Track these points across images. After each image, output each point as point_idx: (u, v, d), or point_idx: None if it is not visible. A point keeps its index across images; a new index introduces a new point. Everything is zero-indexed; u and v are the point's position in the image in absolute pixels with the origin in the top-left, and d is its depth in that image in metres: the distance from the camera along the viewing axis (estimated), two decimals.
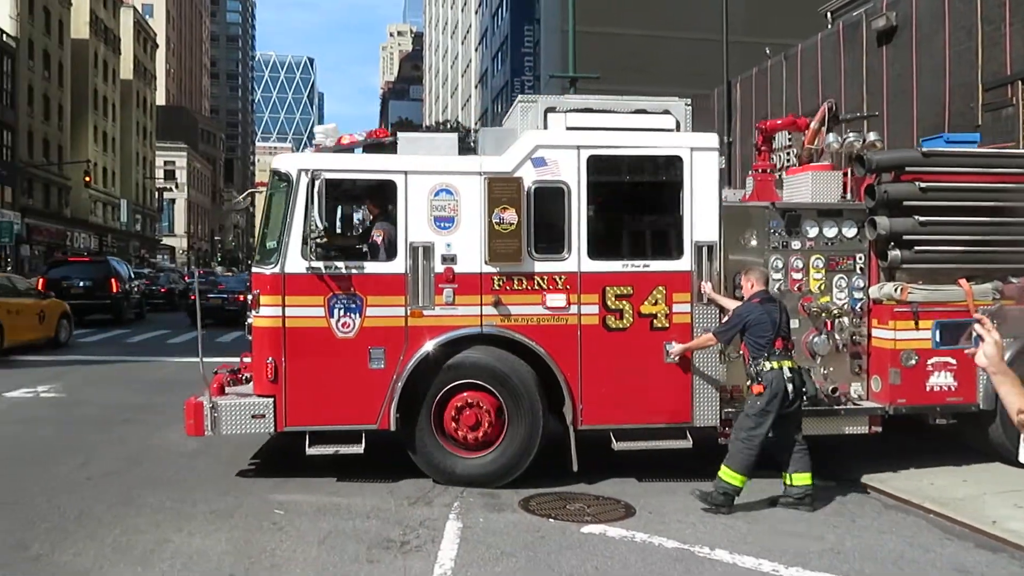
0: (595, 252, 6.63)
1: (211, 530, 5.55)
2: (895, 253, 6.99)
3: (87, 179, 48.13)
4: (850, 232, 7.16)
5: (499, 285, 6.53)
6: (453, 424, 6.50)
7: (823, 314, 7.04)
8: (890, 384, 6.92)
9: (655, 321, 6.68)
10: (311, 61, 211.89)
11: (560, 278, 6.59)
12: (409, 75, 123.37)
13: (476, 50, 63.30)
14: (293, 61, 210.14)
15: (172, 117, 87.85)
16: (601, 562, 5.07)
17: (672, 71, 36.20)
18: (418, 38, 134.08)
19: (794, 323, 7.08)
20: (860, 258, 7.18)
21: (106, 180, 65.85)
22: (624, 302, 6.66)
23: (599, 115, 6.90)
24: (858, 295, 7.17)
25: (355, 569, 4.92)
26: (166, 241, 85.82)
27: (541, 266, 6.59)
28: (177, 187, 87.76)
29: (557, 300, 6.57)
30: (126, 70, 71.49)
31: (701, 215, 6.71)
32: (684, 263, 6.73)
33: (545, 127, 6.83)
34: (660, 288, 6.68)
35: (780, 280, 7.09)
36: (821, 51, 17.70)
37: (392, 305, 6.46)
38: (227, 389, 6.81)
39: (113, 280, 23.75)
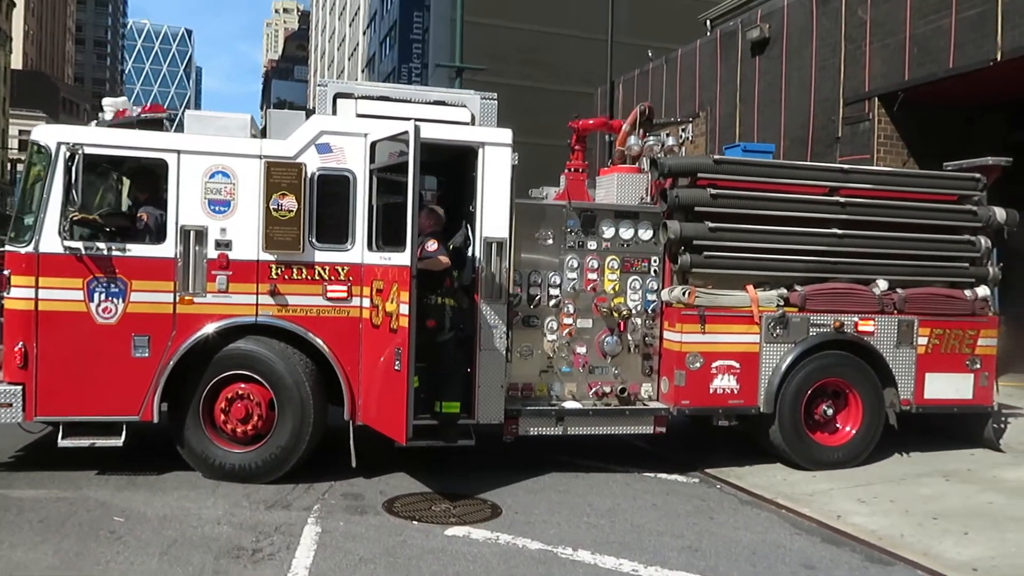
0: (373, 244, 6.38)
1: (38, 541, 5.00)
2: (685, 257, 7.19)
3: None
4: (646, 235, 7.31)
5: (277, 274, 6.28)
6: (223, 417, 6.22)
7: (615, 314, 7.17)
8: (675, 385, 7.10)
9: (392, 321, 5.91)
10: (189, 33, 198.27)
11: (342, 269, 6.40)
12: (294, 54, 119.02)
13: (364, 33, 61.66)
14: (169, 31, 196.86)
15: (30, 83, 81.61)
16: (463, 566, 4.90)
17: (560, 68, 36.32)
18: (305, 16, 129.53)
19: (587, 323, 7.24)
20: (655, 261, 7.34)
21: None
22: (378, 298, 6.25)
23: (394, 104, 6.73)
24: (651, 297, 7.33)
25: None
26: None
27: (322, 256, 6.37)
28: None
29: (337, 292, 6.36)
30: None
31: (491, 211, 6.58)
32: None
33: (335, 113, 6.61)
34: (395, 285, 5.94)
35: (575, 279, 7.16)
36: (699, 57, 17.96)
37: (159, 291, 6.11)
38: None
39: None
